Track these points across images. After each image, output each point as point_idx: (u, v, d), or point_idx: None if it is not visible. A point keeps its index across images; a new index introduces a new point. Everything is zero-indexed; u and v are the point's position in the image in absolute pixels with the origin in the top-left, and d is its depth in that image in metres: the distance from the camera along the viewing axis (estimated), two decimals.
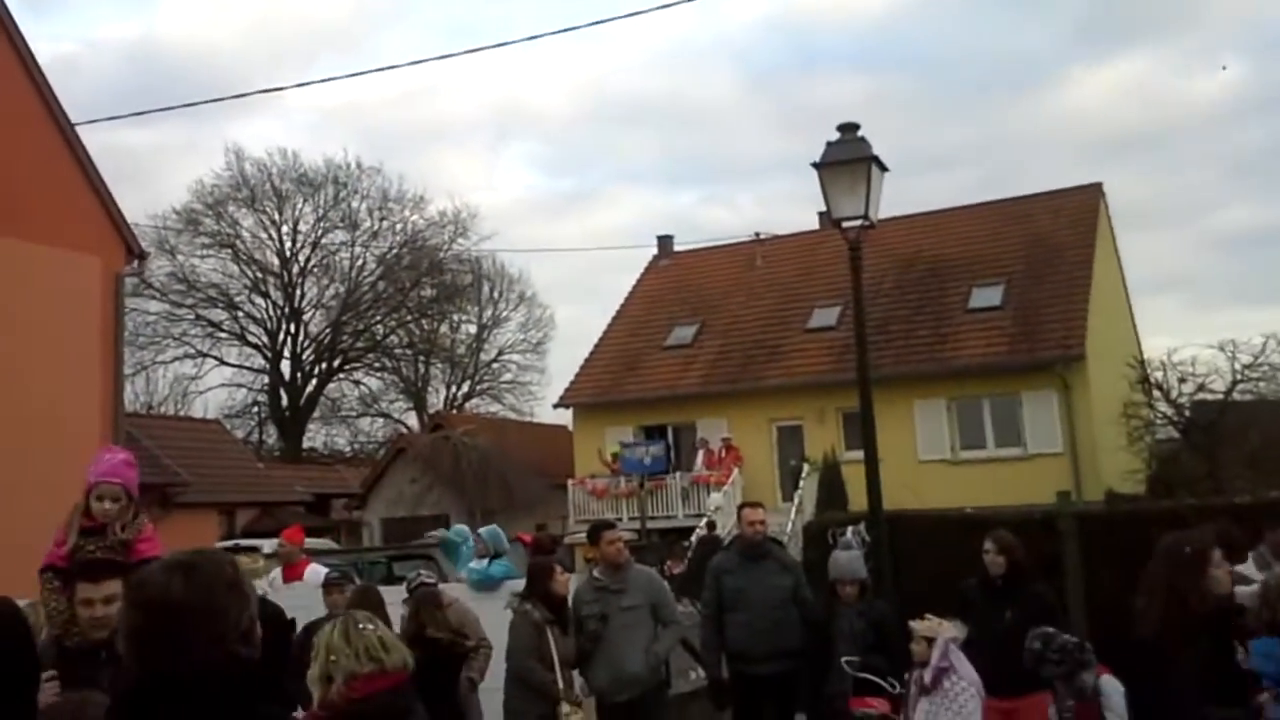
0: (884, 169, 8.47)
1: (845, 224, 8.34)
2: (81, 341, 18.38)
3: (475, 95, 70.67)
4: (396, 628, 7.14)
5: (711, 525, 17.92)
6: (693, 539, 18.78)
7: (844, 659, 6.49)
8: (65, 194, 18.61)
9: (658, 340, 28.09)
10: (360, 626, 3.62)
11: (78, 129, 19.07)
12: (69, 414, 17.78)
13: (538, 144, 72.29)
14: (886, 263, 25.93)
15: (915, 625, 5.92)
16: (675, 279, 30.45)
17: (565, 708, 6.73)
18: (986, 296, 24.70)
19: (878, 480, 8.04)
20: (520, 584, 7.52)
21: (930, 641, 5.79)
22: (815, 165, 8.46)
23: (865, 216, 8.27)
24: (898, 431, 21.66)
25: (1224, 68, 62.15)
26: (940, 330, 24.42)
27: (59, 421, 17.48)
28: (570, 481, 25.95)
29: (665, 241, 32.45)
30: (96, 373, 18.75)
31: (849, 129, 8.47)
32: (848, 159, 8.32)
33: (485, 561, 9.01)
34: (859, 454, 9.42)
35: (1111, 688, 5.83)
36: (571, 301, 69.68)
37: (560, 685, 6.77)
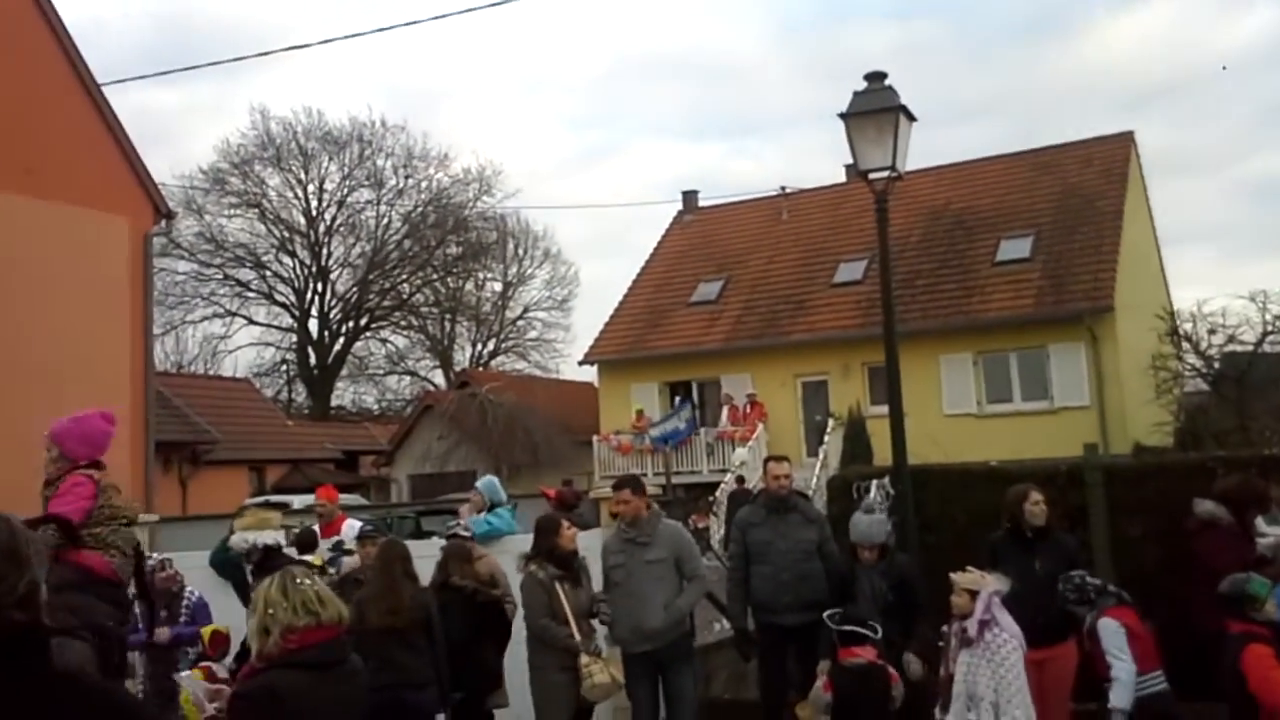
0: (912, 119, 8.35)
1: (872, 175, 8.24)
2: (111, 301, 18.58)
3: (500, 50, 70.21)
4: (425, 580, 7.26)
5: (741, 480, 17.97)
6: (718, 494, 18.87)
7: (825, 613, 6.50)
8: (93, 155, 18.74)
9: (683, 296, 28.04)
10: (298, 581, 3.73)
11: (104, 90, 19.16)
12: (100, 373, 18.01)
13: (562, 98, 71.92)
14: (914, 215, 25.71)
15: (957, 578, 5.89)
16: (700, 234, 30.32)
17: (585, 659, 6.79)
18: (1015, 249, 24.47)
19: (903, 434, 8.02)
20: (528, 540, 7.54)
21: (973, 594, 5.78)
22: (842, 116, 8.35)
23: (892, 167, 8.16)
24: (924, 386, 21.59)
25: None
26: (967, 283, 24.23)
27: (90, 380, 17.71)
28: (595, 437, 26.06)
29: (690, 197, 32.28)
30: (126, 332, 18.97)
31: (876, 78, 8.35)
32: (875, 109, 8.21)
33: (483, 514, 8.98)
34: (884, 409, 9.42)
35: (1107, 628, 5.89)
36: (597, 258, 69.62)
37: (578, 638, 6.82)
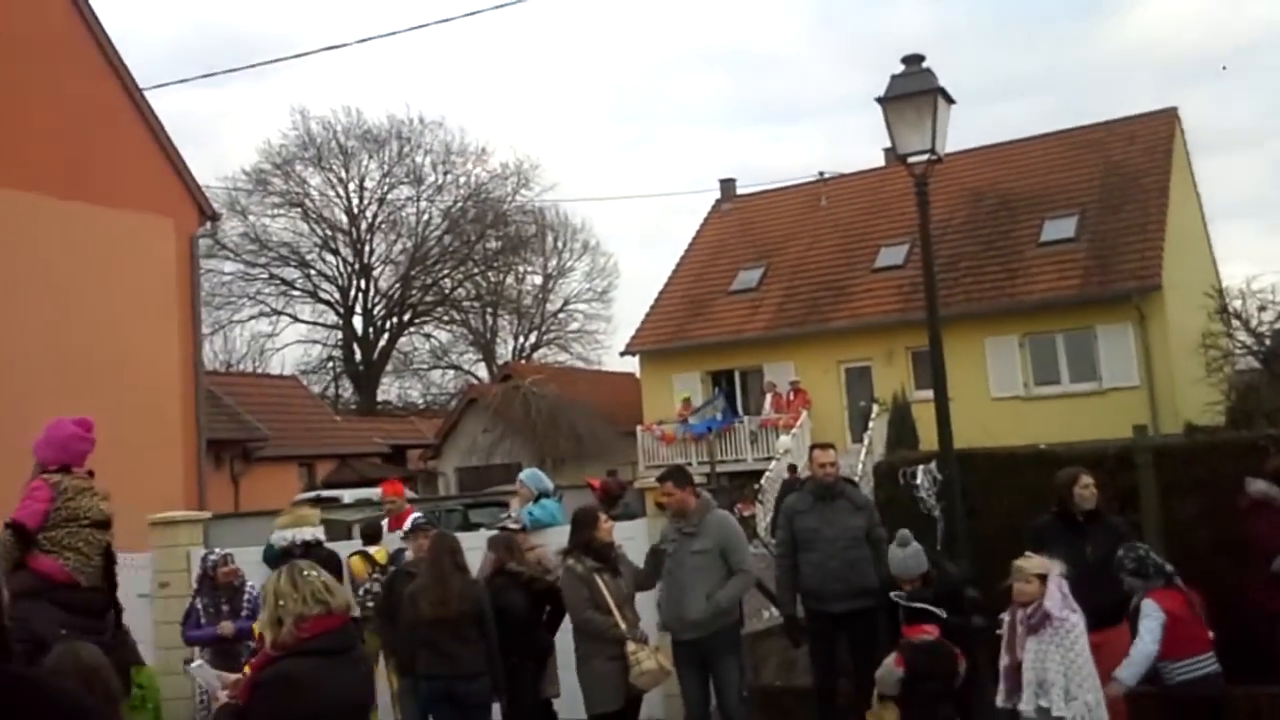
0: (950, 101, 8.29)
1: (911, 159, 8.19)
2: (160, 302, 18.89)
3: (535, 43, 70.38)
4: (474, 570, 7.36)
5: (792, 468, 17.87)
6: (764, 481, 18.83)
7: (891, 594, 6.52)
8: (138, 159, 19.04)
9: (723, 285, 28.00)
10: (305, 573, 3.91)
11: (146, 94, 19.45)
12: (152, 373, 18.34)
13: (599, 90, 71.93)
14: (955, 198, 25.48)
15: (1024, 563, 5.87)
16: (739, 222, 30.24)
17: (632, 647, 6.83)
18: (1059, 229, 24.17)
19: (948, 419, 7.98)
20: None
21: (1041, 579, 5.76)
22: (880, 100, 8.31)
23: (932, 150, 8.10)
24: (969, 369, 21.42)
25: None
26: (1011, 265, 23.99)
27: (143, 380, 18.05)
28: (639, 427, 26.12)
29: (728, 185, 32.19)
30: (175, 332, 19.28)
31: (913, 61, 8.29)
32: (913, 92, 8.15)
33: (528, 506, 9.06)
34: (929, 393, 9.36)
35: (1147, 609, 5.86)
36: (636, 249, 69.67)
37: (623, 627, 6.87)
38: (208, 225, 22.11)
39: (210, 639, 8.35)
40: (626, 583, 7.13)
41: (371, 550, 9.03)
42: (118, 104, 18.90)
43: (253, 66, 39.09)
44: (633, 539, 8.60)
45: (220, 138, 61.78)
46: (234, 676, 4.13)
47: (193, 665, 5.93)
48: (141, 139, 19.27)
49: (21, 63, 17.16)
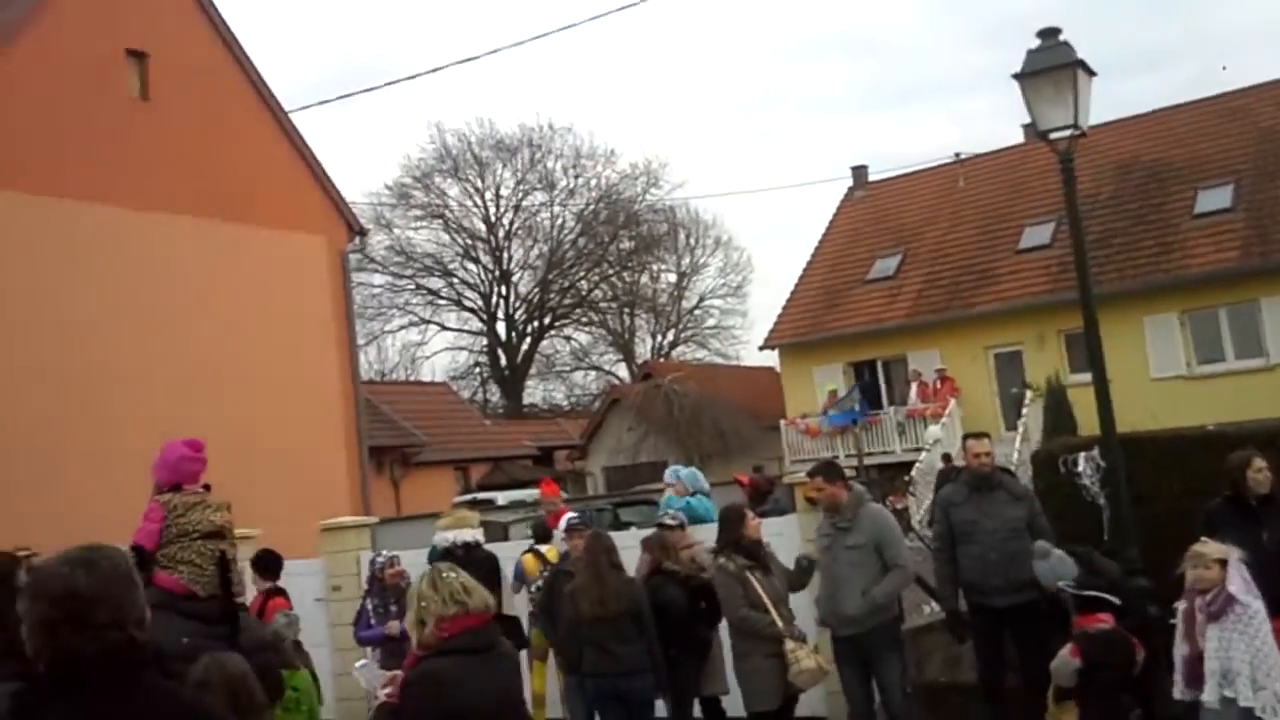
0: (1091, 73, 8.01)
1: (1053, 135, 7.94)
2: (317, 317, 19.78)
3: (657, 42, 70.66)
4: (631, 569, 7.48)
5: (947, 457, 17.46)
6: (914, 473, 18.50)
7: (1059, 583, 6.34)
8: (290, 181, 19.98)
9: (859, 274, 27.59)
10: (444, 575, 4.08)
11: (292, 117, 20.37)
12: (313, 385, 19.21)
13: (723, 84, 71.74)
14: (1101, 171, 24.53)
15: (1202, 549, 5.66)
16: (873, 209, 29.76)
17: (790, 644, 6.79)
18: (1214, 199, 23.02)
19: (1109, 402, 7.71)
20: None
21: (1221, 564, 5.56)
22: (1016, 76, 8.09)
23: (1075, 125, 7.83)
24: (1127, 350, 20.58)
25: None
26: (1166, 239, 22.96)
27: (305, 393, 18.91)
28: (782, 421, 25.98)
29: (859, 172, 31.69)
30: (333, 345, 20.17)
31: (1050, 34, 8.04)
32: (1051, 66, 7.89)
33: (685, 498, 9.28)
34: (1086, 377, 9.07)
35: None
36: (769, 241, 69.19)
37: (779, 624, 6.85)
38: (356, 240, 23.01)
39: (380, 639, 8.69)
40: (779, 581, 7.13)
41: (542, 548, 9.27)
42: (268, 130, 19.87)
43: (390, 84, 40.44)
44: (782, 535, 8.60)
45: (362, 155, 64.05)
46: (393, 674, 4.35)
47: (358, 665, 6.21)
48: (292, 162, 20.21)
49: (180, 97, 18.20)
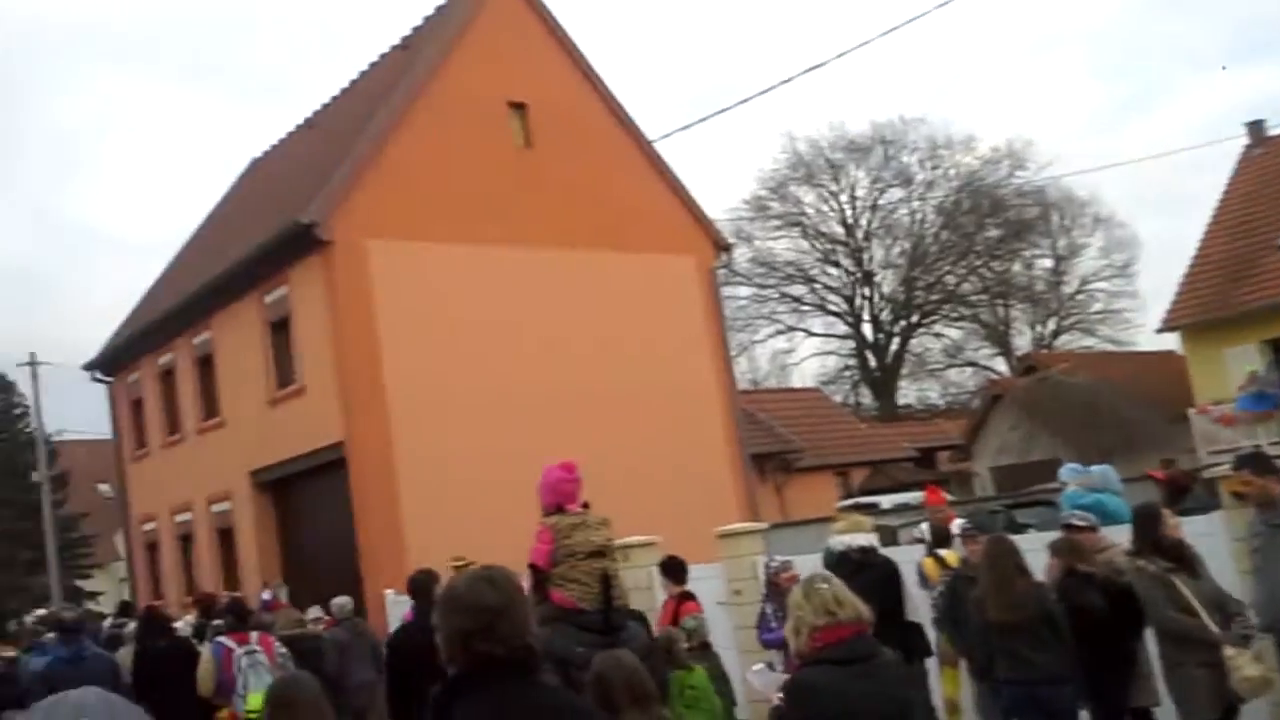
0: None
1: None
2: (692, 333, 20.68)
3: (1003, 19, 67.22)
4: (1039, 574, 7.17)
5: None
6: None
7: None
8: (656, 206, 21.05)
9: (1267, 239, 24.71)
10: (817, 586, 4.12)
11: (656, 146, 21.43)
12: (694, 397, 20.09)
13: (1081, 50, 66.93)
14: None
15: None
16: (1276, 166, 26.58)
17: (1229, 651, 6.29)
18: None
19: None
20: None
21: None
22: None
23: None
24: None
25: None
26: None
27: (689, 408, 19.81)
28: (1191, 410, 23.78)
29: (1256, 127, 28.40)
30: (708, 359, 21.00)
31: None
32: None
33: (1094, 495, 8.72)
34: None
35: None
36: (1152, 215, 63.61)
37: (1213, 629, 6.36)
38: (722, 256, 23.74)
39: (781, 642, 8.91)
40: (1209, 583, 6.62)
41: (942, 552, 9.14)
42: (637, 163, 21.05)
43: (743, 102, 41.21)
44: (1208, 535, 7.92)
45: (721, 172, 65.94)
46: (785, 678, 4.50)
47: (753, 670, 6.46)
48: (660, 190, 21.27)
49: (558, 142, 19.71)
